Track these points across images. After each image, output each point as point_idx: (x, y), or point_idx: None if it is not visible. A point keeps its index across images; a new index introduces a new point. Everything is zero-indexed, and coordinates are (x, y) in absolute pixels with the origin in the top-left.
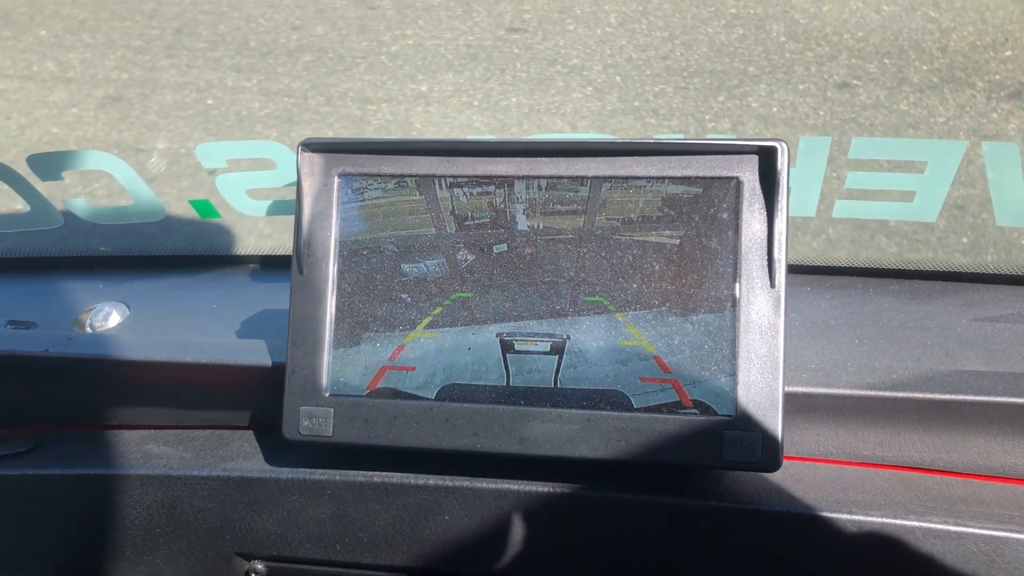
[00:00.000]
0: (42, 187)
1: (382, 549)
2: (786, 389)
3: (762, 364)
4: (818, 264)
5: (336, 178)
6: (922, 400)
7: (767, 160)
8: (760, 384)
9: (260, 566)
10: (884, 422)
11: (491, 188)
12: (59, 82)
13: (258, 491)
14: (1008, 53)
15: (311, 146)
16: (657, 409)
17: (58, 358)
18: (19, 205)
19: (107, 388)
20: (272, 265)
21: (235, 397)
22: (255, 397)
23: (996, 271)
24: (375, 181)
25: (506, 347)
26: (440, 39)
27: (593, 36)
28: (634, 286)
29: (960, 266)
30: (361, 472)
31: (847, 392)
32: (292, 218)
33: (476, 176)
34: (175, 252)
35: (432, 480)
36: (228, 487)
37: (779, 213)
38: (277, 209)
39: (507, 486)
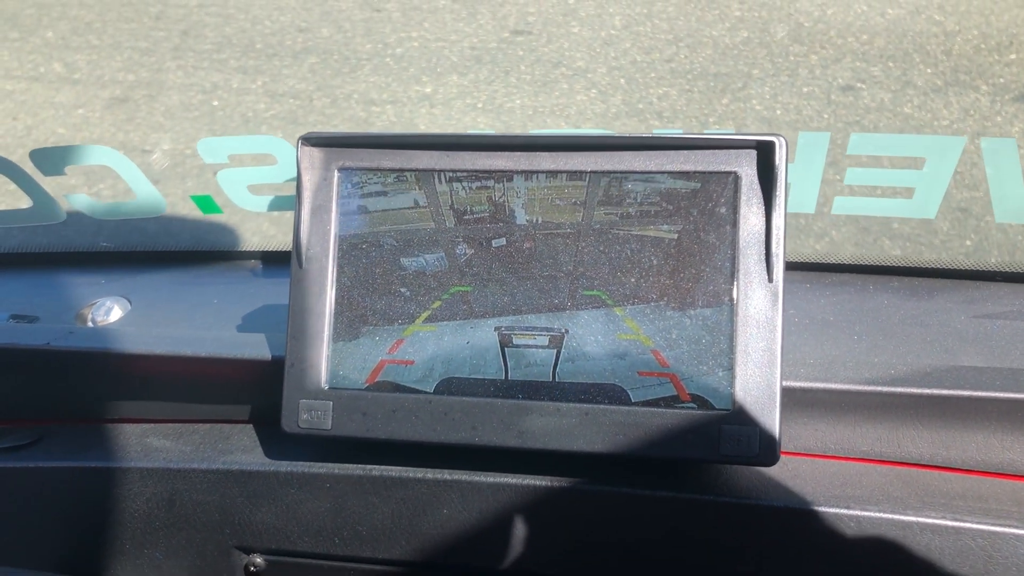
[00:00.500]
0: (44, 182)
1: (381, 542)
2: (784, 384)
3: (760, 358)
4: (818, 261)
5: (336, 172)
6: (920, 395)
7: (766, 155)
8: (758, 379)
9: (259, 559)
10: (882, 418)
11: (490, 183)
12: (65, 83)
13: (257, 484)
14: (1013, 56)
15: (311, 140)
16: (655, 403)
17: (59, 351)
18: (22, 200)
19: (108, 382)
20: (273, 261)
21: (235, 391)
22: (254, 391)
23: (996, 268)
24: (375, 175)
25: (504, 341)
26: (445, 41)
27: (597, 38)
28: (632, 280)
29: (960, 263)
30: (360, 465)
31: (845, 387)
32: (293, 214)
33: (475, 171)
34: (177, 248)
35: (431, 473)
36: (227, 480)
37: (777, 208)
38: (278, 205)
39: (505, 480)
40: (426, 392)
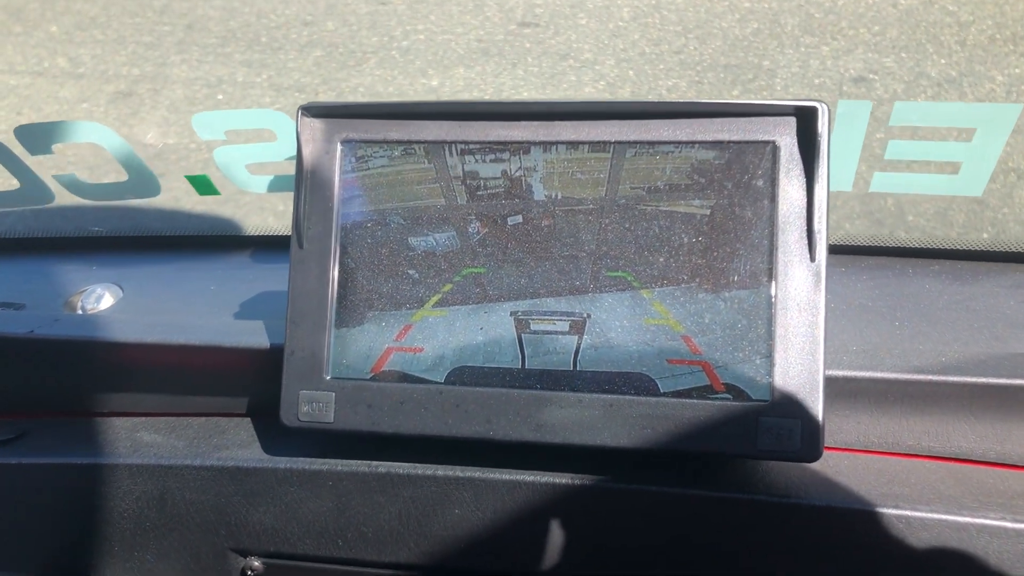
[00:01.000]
0: (32, 162)
1: (387, 545)
2: (826, 373)
3: (801, 344)
4: (852, 243)
5: (339, 145)
6: (974, 385)
7: (806, 123)
8: (799, 366)
9: (256, 563)
10: (930, 409)
11: (505, 155)
12: (69, 77)
13: (254, 482)
14: None
15: (312, 111)
16: (686, 393)
17: (44, 340)
18: (9, 181)
19: (96, 372)
20: (274, 245)
21: (231, 382)
22: (252, 382)
23: None
24: (380, 148)
25: (521, 326)
26: (451, 34)
27: (605, 30)
28: (661, 260)
29: (1005, 244)
30: (365, 462)
31: (892, 376)
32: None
33: (489, 142)
34: (172, 232)
35: (441, 470)
36: (222, 478)
37: (819, 180)
38: (280, 185)
39: (522, 477)
40: (436, 382)
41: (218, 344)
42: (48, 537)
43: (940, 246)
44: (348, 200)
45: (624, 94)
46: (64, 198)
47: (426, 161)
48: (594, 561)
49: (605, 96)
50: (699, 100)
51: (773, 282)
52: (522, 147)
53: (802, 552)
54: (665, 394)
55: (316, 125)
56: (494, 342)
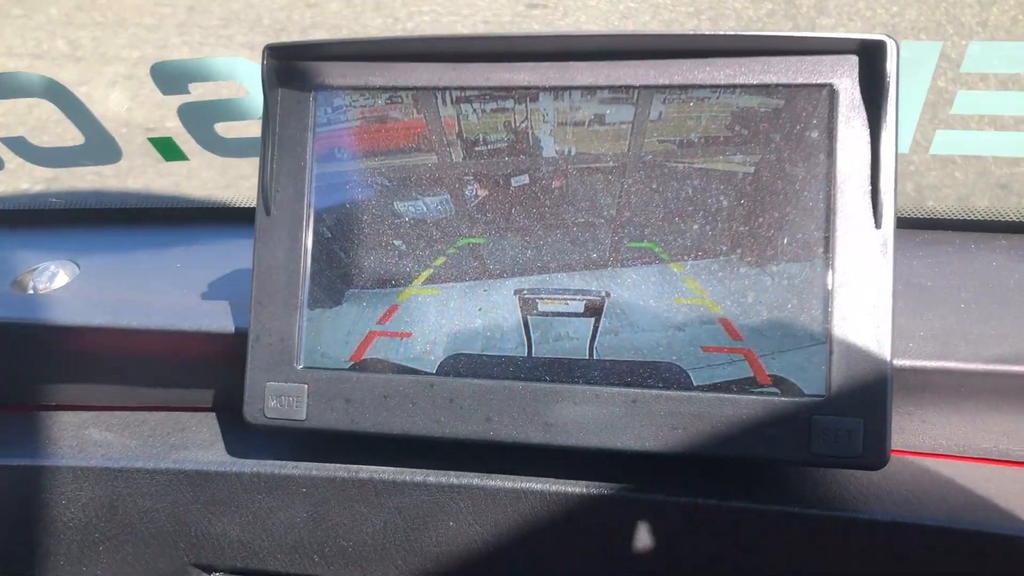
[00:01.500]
0: None
1: (371, 562)
2: (894, 363)
3: (864, 329)
4: (906, 215)
5: (312, 93)
6: None
7: (871, 62)
8: (861, 355)
9: None
10: (1011, 407)
11: (509, 103)
12: (69, 60)
13: (217, 488)
14: None
15: (279, 52)
16: (724, 387)
17: None
18: None
19: (39, 360)
20: (248, 218)
21: (192, 371)
22: (216, 372)
23: None
24: (362, 96)
25: (527, 307)
26: (457, 15)
27: (615, 11)
28: (695, 228)
29: None
30: (343, 466)
31: (970, 367)
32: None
33: (490, 88)
34: (134, 204)
35: (433, 477)
36: (180, 483)
37: (886, 131)
38: (255, 148)
39: (528, 485)
40: (427, 373)
41: (177, 328)
42: None
43: (1006, 218)
44: (323, 158)
45: None
46: (13, 164)
47: (415, 111)
48: None
49: None
50: (740, 32)
51: (830, 254)
52: (529, 93)
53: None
54: (699, 388)
55: (285, 70)
56: (495, 326)
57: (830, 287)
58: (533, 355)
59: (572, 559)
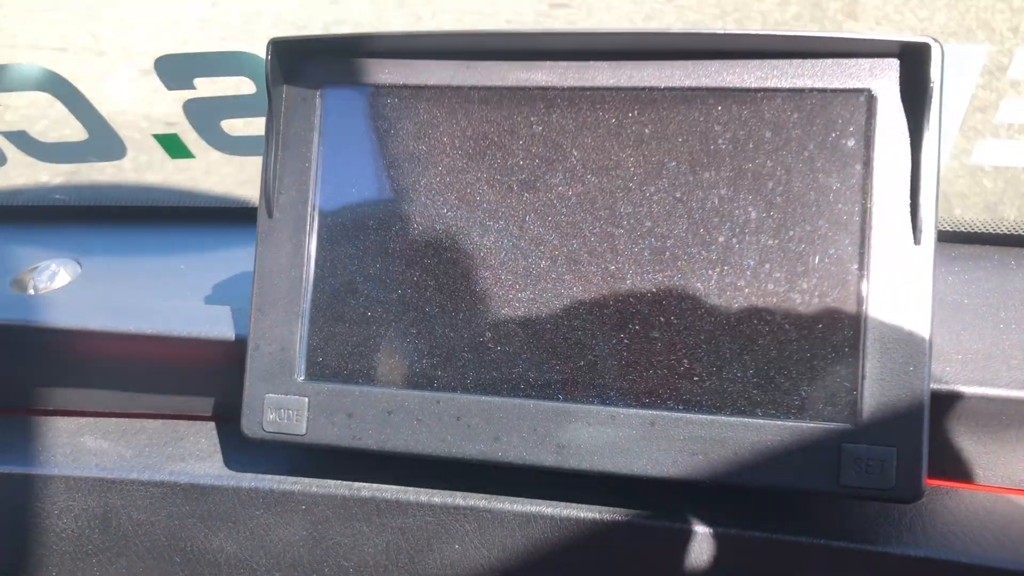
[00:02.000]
0: None
1: None
2: (931, 388)
3: (899, 352)
4: (940, 228)
5: (319, 91)
6: None
7: (914, 65)
8: (896, 379)
9: None
10: None
11: (526, 103)
12: (92, 54)
13: (214, 502)
14: None
15: (285, 46)
16: (749, 411)
17: None
18: None
19: (34, 363)
20: (254, 218)
21: (192, 379)
22: (217, 380)
23: None
24: (371, 94)
25: (542, 319)
26: (480, 15)
27: (640, 12)
28: (720, 240)
29: None
30: (345, 483)
31: (1013, 394)
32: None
33: (505, 87)
34: (138, 202)
35: (438, 497)
36: (176, 495)
37: (929, 141)
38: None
39: (538, 509)
40: (433, 388)
41: (177, 334)
42: None
43: None
44: (329, 159)
45: None
46: (15, 159)
47: (427, 111)
48: None
49: None
50: (773, 32)
51: (865, 271)
52: (547, 94)
53: None
54: (722, 411)
55: (291, 65)
56: (507, 339)
57: (864, 307)
58: (545, 371)
59: None
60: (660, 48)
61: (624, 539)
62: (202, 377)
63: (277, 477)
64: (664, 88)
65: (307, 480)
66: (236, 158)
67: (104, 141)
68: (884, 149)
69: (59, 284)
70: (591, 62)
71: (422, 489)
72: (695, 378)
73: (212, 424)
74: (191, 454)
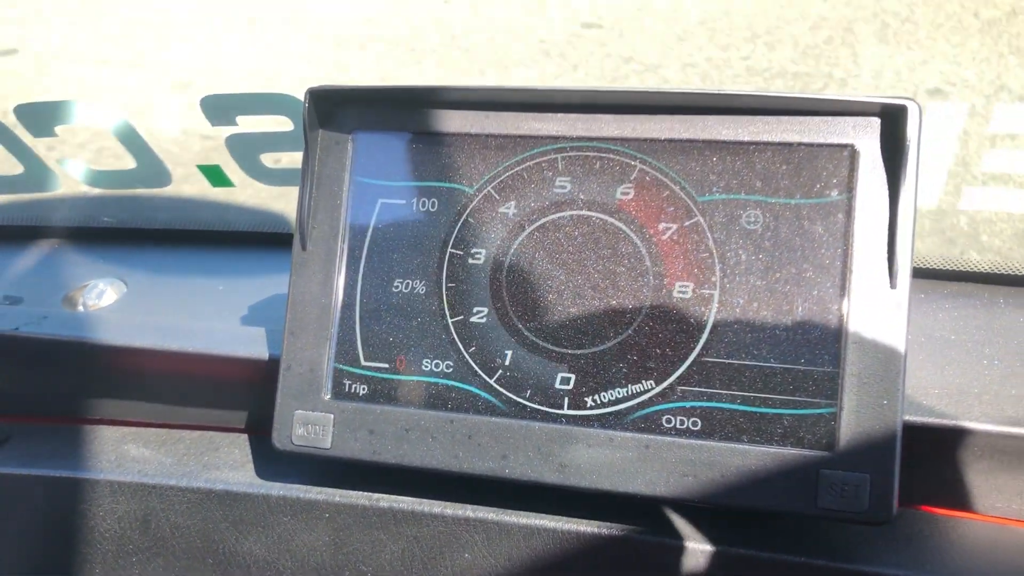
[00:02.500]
0: (34, 144)
1: None
2: (904, 419)
3: (875, 387)
4: (934, 267)
5: (351, 135)
6: None
7: (893, 124)
8: (871, 412)
9: None
10: None
11: (538, 149)
12: (132, 67)
13: (245, 508)
14: None
15: (321, 95)
16: (735, 437)
17: (29, 339)
18: (12, 166)
19: (84, 376)
20: (286, 243)
21: (228, 394)
22: (250, 395)
23: None
24: (397, 139)
25: (552, 353)
26: (513, 34)
27: (671, 33)
28: (712, 279)
29: None
30: (365, 494)
31: (982, 427)
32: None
33: (520, 135)
34: (181, 225)
35: (450, 509)
36: (210, 501)
37: (905, 194)
38: (296, 178)
39: (541, 522)
40: (447, 409)
41: (214, 353)
42: (22, 554)
43: None
44: (359, 197)
45: None
46: (69, 185)
47: (448, 155)
48: None
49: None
50: (765, 92)
51: (845, 312)
52: (556, 142)
53: None
54: (711, 437)
55: (326, 112)
56: (516, 367)
57: (843, 344)
58: (550, 396)
59: None
60: (662, 103)
61: (620, 552)
62: (237, 393)
63: (303, 487)
64: (665, 140)
65: (331, 490)
66: (272, 188)
67: (151, 170)
68: (865, 200)
69: (106, 302)
70: (598, 115)
71: (435, 501)
72: (687, 405)
73: (245, 436)
74: (225, 463)
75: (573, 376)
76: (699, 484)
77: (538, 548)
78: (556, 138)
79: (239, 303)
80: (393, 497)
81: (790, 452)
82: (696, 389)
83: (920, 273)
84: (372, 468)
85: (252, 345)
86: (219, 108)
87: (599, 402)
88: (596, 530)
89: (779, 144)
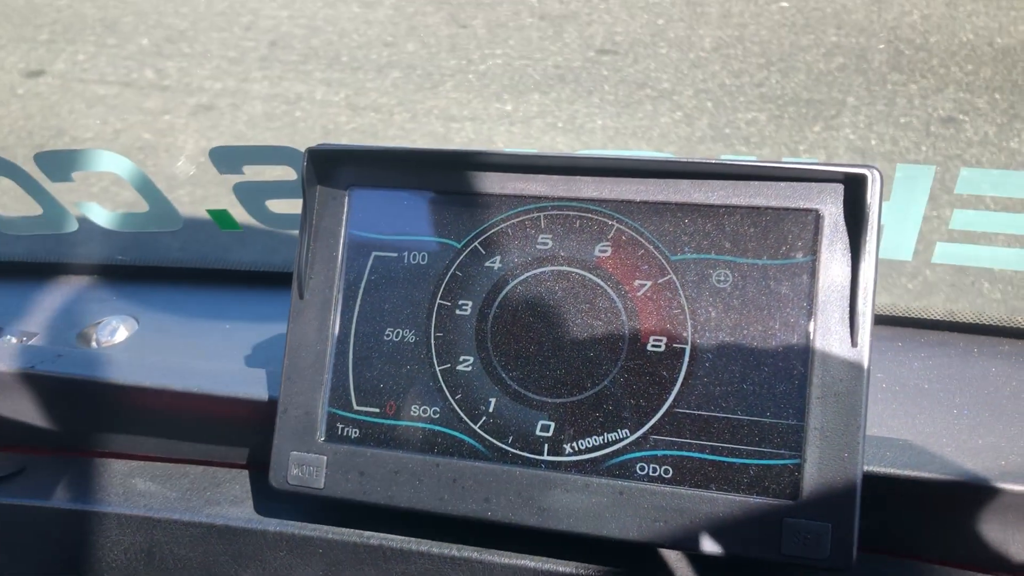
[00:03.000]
0: (52, 188)
1: None
2: (865, 469)
3: (836, 440)
4: (910, 316)
5: (347, 191)
6: None
7: (855, 190)
8: (833, 463)
9: None
10: (990, 518)
11: (522, 209)
12: (155, 89)
13: (243, 543)
14: None
15: (319, 155)
16: (704, 486)
17: (45, 376)
18: (31, 208)
19: (96, 412)
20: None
21: (230, 432)
22: (251, 434)
23: None
24: (391, 197)
25: (536, 404)
26: (529, 59)
27: (686, 60)
28: (683, 335)
29: None
30: (356, 531)
31: (940, 478)
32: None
33: (505, 195)
34: (191, 265)
35: (436, 547)
36: (211, 536)
37: (866, 256)
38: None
39: (522, 562)
40: (433, 453)
41: (216, 393)
42: None
43: (1013, 324)
44: (354, 250)
45: (701, 125)
46: (85, 226)
47: (438, 213)
48: None
49: (681, 127)
50: (734, 161)
51: (809, 367)
52: (539, 201)
53: None
54: (681, 484)
55: (324, 170)
56: (501, 415)
57: (807, 399)
58: (530, 443)
59: None
60: (638, 168)
61: None
62: (238, 431)
63: (299, 524)
64: (640, 201)
65: (325, 527)
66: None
67: (163, 211)
68: (828, 261)
69: (119, 339)
70: (579, 177)
71: (423, 540)
72: (659, 454)
73: (246, 472)
74: (226, 499)
75: (553, 424)
76: (670, 529)
77: None
78: (539, 198)
79: (244, 342)
80: (383, 535)
81: (756, 501)
82: (668, 439)
83: (900, 321)
84: (363, 508)
85: (253, 386)
86: (227, 158)
87: (577, 449)
88: (573, 571)
89: (748, 208)
